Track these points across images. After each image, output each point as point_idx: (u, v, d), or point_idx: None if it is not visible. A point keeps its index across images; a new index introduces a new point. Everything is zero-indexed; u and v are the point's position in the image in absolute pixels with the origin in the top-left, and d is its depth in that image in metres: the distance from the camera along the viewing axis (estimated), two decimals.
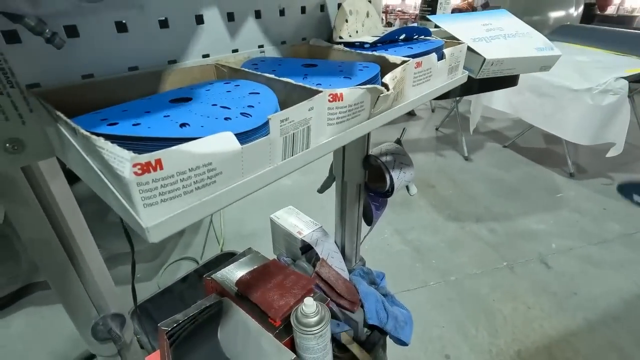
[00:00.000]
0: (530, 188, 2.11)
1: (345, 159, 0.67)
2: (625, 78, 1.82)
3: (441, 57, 0.40)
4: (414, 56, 0.37)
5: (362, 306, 0.69)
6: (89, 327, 0.34)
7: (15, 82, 0.24)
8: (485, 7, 4.76)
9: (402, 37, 0.42)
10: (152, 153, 0.16)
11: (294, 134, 0.23)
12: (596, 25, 2.83)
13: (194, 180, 0.18)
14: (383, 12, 4.75)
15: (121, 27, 0.28)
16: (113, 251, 1.34)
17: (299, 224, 0.79)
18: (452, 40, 0.48)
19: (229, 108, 0.24)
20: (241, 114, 0.23)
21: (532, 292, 1.43)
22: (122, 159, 0.16)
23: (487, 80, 0.49)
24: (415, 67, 0.35)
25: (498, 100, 2.26)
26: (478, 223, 1.83)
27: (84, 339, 0.35)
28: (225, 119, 0.22)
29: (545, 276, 1.51)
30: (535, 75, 2.08)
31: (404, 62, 0.33)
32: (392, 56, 0.35)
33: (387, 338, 0.74)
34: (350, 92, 0.27)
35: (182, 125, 0.21)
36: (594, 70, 1.94)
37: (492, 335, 1.27)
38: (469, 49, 0.45)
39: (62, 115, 0.21)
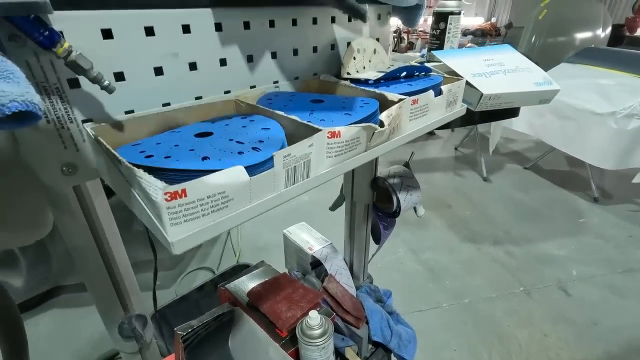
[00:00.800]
0: (552, 212, 2.06)
1: (354, 181, 0.71)
2: None
3: (439, 93, 0.44)
4: (412, 93, 0.41)
5: (367, 323, 0.71)
6: (116, 325, 0.38)
7: (74, 118, 0.30)
8: (509, 27, 4.76)
9: (403, 74, 0.46)
10: (180, 184, 0.21)
11: (295, 166, 0.28)
12: (621, 48, 2.77)
13: (210, 205, 0.23)
14: (405, 33, 4.83)
15: (158, 71, 0.33)
16: (136, 258, 1.41)
17: (310, 240, 0.83)
18: (453, 74, 0.51)
19: (242, 143, 0.29)
20: (252, 148, 0.28)
21: (549, 319, 1.39)
22: (156, 188, 0.21)
23: (487, 112, 0.52)
24: (412, 104, 0.39)
25: (519, 121, 2.24)
26: (495, 245, 1.80)
27: (110, 335, 0.40)
28: (239, 152, 0.27)
29: (564, 303, 1.46)
30: (557, 97, 2.05)
31: (400, 99, 0.38)
32: (390, 94, 0.39)
33: (392, 356, 0.76)
34: (347, 130, 0.31)
35: (204, 158, 0.26)
36: (619, 93, 1.90)
37: None
38: (468, 83, 0.49)
39: (109, 147, 0.26)
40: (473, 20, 4.53)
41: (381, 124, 0.34)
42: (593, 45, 2.92)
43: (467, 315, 1.42)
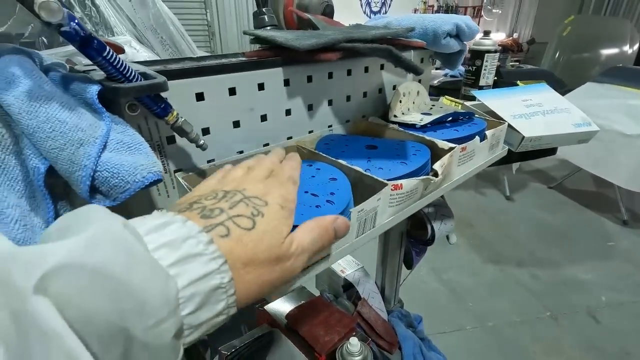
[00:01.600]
0: (578, 234, 2.02)
1: None
2: None
3: (483, 138, 0.46)
4: (459, 139, 0.43)
5: (399, 348, 0.73)
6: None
7: (168, 169, 0.34)
8: (531, 43, 4.72)
9: (449, 119, 0.49)
10: None
11: (365, 219, 0.31)
12: None
13: None
14: None
15: (236, 124, 0.37)
16: None
17: (342, 263, 0.85)
18: (492, 114, 0.54)
19: (317, 195, 0.32)
20: (327, 201, 0.31)
21: (578, 348, 1.36)
22: None
23: (527, 151, 0.54)
24: (461, 152, 0.42)
25: None
26: (519, 267, 1.77)
27: None
28: (316, 206, 0.30)
29: (593, 331, 1.42)
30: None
31: (451, 148, 0.40)
32: (441, 141, 0.42)
33: None
34: (408, 183, 0.34)
35: None
36: None
37: None
38: (509, 126, 0.51)
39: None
40: (495, 36, 4.53)
41: (435, 174, 0.37)
42: (621, 65, 2.87)
43: (491, 340, 1.40)
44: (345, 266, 0.84)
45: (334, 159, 0.38)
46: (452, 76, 1.52)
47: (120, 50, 0.38)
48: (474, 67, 0.69)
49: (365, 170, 0.35)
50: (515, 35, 4.77)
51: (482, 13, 4.42)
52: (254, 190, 0.24)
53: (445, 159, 0.39)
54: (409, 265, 0.82)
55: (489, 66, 0.68)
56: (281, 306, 0.74)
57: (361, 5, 4.06)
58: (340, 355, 0.60)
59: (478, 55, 0.68)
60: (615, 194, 2.14)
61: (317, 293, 0.88)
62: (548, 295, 1.60)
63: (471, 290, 1.64)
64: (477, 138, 0.44)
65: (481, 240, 1.98)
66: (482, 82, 0.69)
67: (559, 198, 2.39)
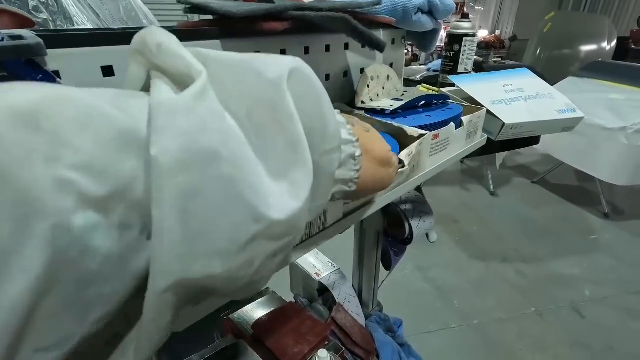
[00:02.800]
0: (561, 228, 2.02)
1: None
2: None
3: (459, 124, 0.41)
4: (431, 125, 0.38)
5: (377, 356, 0.68)
6: None
7: None
8: (513, 40, 4.76)
9: (422, 103, 0.44)
10: None
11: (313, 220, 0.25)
12: (630, 62, 2.75)
13: None
14: (410, 45, 4.85)
15: None
16: None
17: (318, 265, 0.80)
18: (471, 101, 0.49)
19: None
20: None
21: (563, 343, 1.34)
22: None
23: (508, 141, 0.50)
24: (433, 139, 0.36)
25: None
26: (504, 263, 1.76)
27: None
28: None
29: (578, 326, 1.41)
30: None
31: (420, 135, 0.35)
32: (410, 128, 0.36)
33: None
34: None
35: None
36: (629, 108, 1.87)
37: None
38: (489, 112, 0.47)
39: None
40: (477, 33, 4.56)
41: (402, 164, 0.32)
42: (600, 59, 2.90)
43: (477, 338, 1.38)
44: (321, 268, 0.79)
45: None
46: (434, 71, 1.47)
47: (28, 21, 0.31)
48: (452, 53, 0.64)
49: None
50: (497, 32, 4.81)
51: (465, 10, 4.42)
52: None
53: (413, 147, 0.33)
54: (388, 266, 0.77)
55: (468, 51, 0.63)
56: (249, 314, 0.68)
57: None
58: None
59: (456, 39, 0.63)
60: (596, 188, 2.15)
61: (292, 297, 0.83)
62: (533, 291, 1.58)
63: (456, 288, 1.61)
64: (452, 124, 0.39)
65: (466, 236, 1.96)
66: (460, 69, 0.64)
67: (542, 193, 2.39)
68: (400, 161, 0.32)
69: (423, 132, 0.35)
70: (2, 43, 0.20)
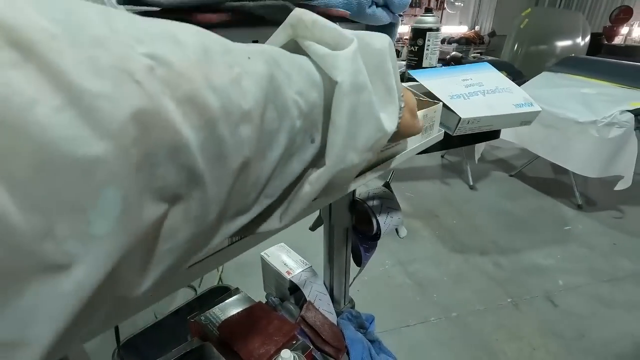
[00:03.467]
0: (537, 220, 2.07)
1: (332, 204, 0.68)
2: (630, 111, 1.81)
3: None
4: None
5: (347, 353, 0.68)
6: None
7: None
8: (492, 36, 4.84)
9: None
10: None
11: None
12: (602, 57, 2.83)
13: None
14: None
15: None
16: None
17: (289, 263, 0.79)
18: (430, 96, 0.49)
19: None
20: None
21: (538, 332, 1.37)
22: None
23: (467, 135, 0.50)
24: None
25: (504, 130, 2.25)
26: (483, 256, 1.79)
27: None
28: None
29: (552, 315, 1.45)
30: (541, 106, 2.07)
31: None
32: None
33: None
34: None
35: None
36: (600, 102, 1.93)
37: None
38: (445, 106, 0.46)
39: None
40: (457, 29, 4.61)
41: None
42: (573, 54, 2.97)
43: (455, 330, 1.40)
44: (293, 267, 0.78)
45: None
46: (408, 79, 1.48)
47: None
48: (416, 47, 0.64)
49: None
50: (477, 28, 4.88)
51: (445, 6, 4.47)
52: None
53: None
54: (359, 263, 0.76)
55: (432, 46, 0.63)
56: (217, 315, 0.66)
57: None
58: None
59: (420, 34, 0.63)
60: (570, 180, 2.21)
61: (264, 297, 0.81)
62: (509, 282, 1.62)
63: (436, 282, 1.63)
64: None
65: (446, 230, 1.98)
66: (425, 63, 0.64)
67: (519, 186, 2.45)
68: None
69: None
70: None
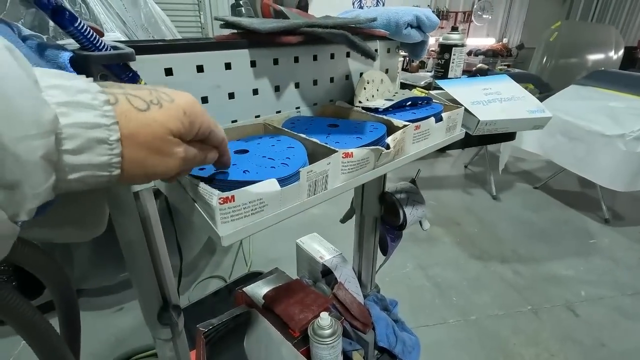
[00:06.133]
0: (561, 232, 2.07)
1: (364, 195, 0.77)
2: None
3: (440, 119, 0.50)
4: (415, 120, 0.47)
5: (373, 329, 0.76)
6: (156, 312, 0.45)
7: None
8: (521, 48, 4.82)
9: (409, 103, 0.53)
10: (230, 192, 0.28)
11: (316, 180, 0.34)
12: (634, 70, 2.79)
13: (251, 209, 0.29)
14: None
15: (205, 99, 0.41)
16: None
17: (321, 250, 0.88)
18: (454, 102, 0.58)
19: (273, 159, 0.35)
20: (282, 164, 0.35)
21: (556, 339, 1.39)
22: (212, 194, 0.28)
23: (486, 136, 0.58)
24: (415, 130, 0.45)
25: (529, 141, 2.27)
26: (503, 264, 1.81)
27: (148, 323, 0.46)
28: (271, 167, 0.34)
29: (571, 324, 1.46)
30: (566, 119, 2.09)
31: (404, 125, 0.44)
32: (396, 120, 0.46)
33: None
34: (359, 151, 0.37)
35: (245, 171, 0.33)
36: (628, 116, 1.93)
37: None
38: (467, 110, 0.55)
39: None
40: (485, 41, 4.63)
41: (387, 147, 0.41)
42: (603, 68, 2.95)
43: (473, 332, 1.44)
44: (325, 253, 0.87)
45: (295, 133, 0.42)
46: (435, 87, 1.56)
47: (100, 33, 0.41)
48: (443, 61, 0.74)
49: (322, 143, 0.39)
50: (504, 40, 4.87)
51: (473, 18, 4.51)
52: (170, 91, 0.25)
53: (397, 134, 0.42)
54: (385, 251, 0.85)
55: (457, 59, 0.72)
56: (259, 288, 0.77)
57: (352, 4, 4.14)
58: (312, 330, 0.62)
59: (446, 49, 0.72)
60: (597, 194, 2.19)
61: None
62: (529, 290, 1.64)
63: (455, 286, 1.67)
64: (432, 118, 0.48)
65: (467, 238, 2.02)
66: (450, 75, 0.73)
67: (543, 198, 2.44)
68: (387, 145, 0.41)
69: (407, 122, 0.44)
70: (110, 52, 0.29)
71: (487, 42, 4.68)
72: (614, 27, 3.81)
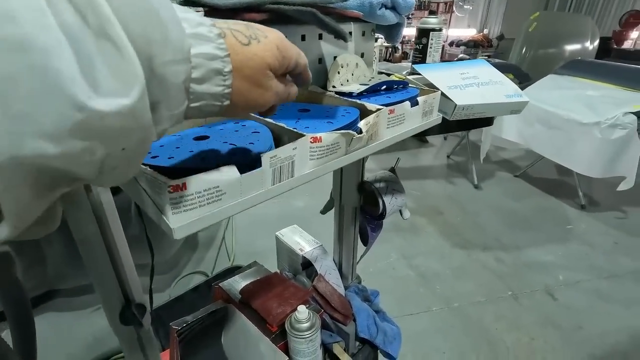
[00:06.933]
0: (540, 219, 2.12)
1: (342, 185, 0.76)
2: (633, 113, 1.85)
3: (416, 103, 0.48)
4: (390, 104, 0.45)
5: (354, 320, 0.75)
6: (117, 311, 0.42)
7: None
8: (501, 39, 4.88)
9: (384, 87, 0.51)
10: (181, 179, 0.25)
11: (280, 166, 0.32)
12: (607, 61, 2.86)
13: (207, 198, 0.27)
14: (400, 43, 4.94)
15: None
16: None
17: (301, 242, 0.86)
18: (431, 86, 0.56)
19: (235, 145, 0.33)
20: (244, 149, 0.32)
21: (536, 324, 1.43)
22: (161, 182, 0.25)
23: (463, 121, 0.57)
24: (389, 114, 0.43)
25: (508, 130, 2.30)
26: (485, 252, 1.84)
27: (111, 323, 0.44)
28: (232, 153, 0.31)
29: (551, 308, 1.50)
30: (545, 108, 2.13)
31: (378, 109, 0.42)
32: (370, 104, 0.43)
33: (379, 354, 0.79)
34: (328, 136, 0.35)
35: (202, 159, 0.30)
36: (604, 104, 1.97)
37: None
38: (444, 95, 0.54)
39: None
40: (466, 32, 4.66)
41: (359, 131, 0.39)
42: (580, 58, 3.01)
43: (456, 320, 1.46)
44: (305, 245, 0.85)
45: (261, 118, 0.39)
46: (412, 73, 1.55)
47: None
48: (421, 46, 0.72)
49: (290, 127, 0.36)
50: (485, 31, 4.92)
51: (454, 9, 4.52)
52: (261, 27, 0.27)
53: (370, 118, 0.40)
54: (365, 242, 0.84)
55: (435, 44, 0.71)
56: (237, 283, 0.74)
57: None
58: (289, 324, 0.61)
59: (424, 33, 0.71)
60: (574, 181, 2.25)
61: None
62: (510, 276, 1.67)
63: (439, 275, 1.69)
64: (407, 102, 0.46)
65: (450, 227, 2.04)
66: (429, 60, 0.72)
67: (523, 186, 2.49)
68: (359, 129, 0.39)
69: (380, 106, 0.42)
70: None
71: (469, 32, 4.72)
72: (590, 18, 3.89)
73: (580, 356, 1.29)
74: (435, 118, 0.52)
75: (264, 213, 2.11)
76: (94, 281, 0.41)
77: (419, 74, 0.62)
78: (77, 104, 0.16)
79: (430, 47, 0.71)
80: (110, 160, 0.18)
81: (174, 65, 0.19)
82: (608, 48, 4.09)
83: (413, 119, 0.48)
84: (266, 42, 0.25)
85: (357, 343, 0.75)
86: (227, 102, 0.24)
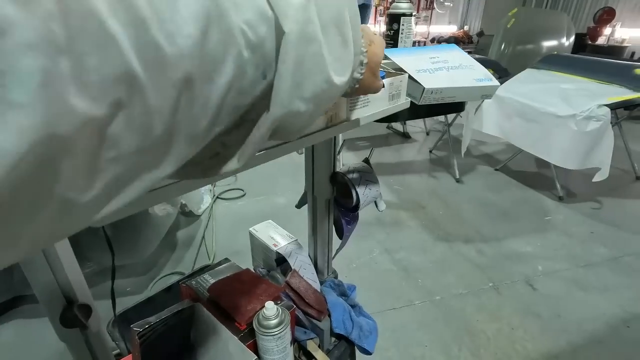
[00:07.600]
0: (520, 211, 2.14)
1: (314, 175, 0.73)
2: (607, 105, 1.89)
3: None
4: None
5: (329, 316, 0.73)
6: (58, 314, 0.38)
7: None
8: (481, 35, 4.95)
9: None
10: None
11: None
12: (582, 55, 2.93)
13: None
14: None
15: None
16: (103, 265, 1.38)
17: (276, 237, 0.84)
18: (400, 70, 0.54)
19: None
20: None
21: (516, 314, 1.44)
22: None
23: (434, 106, 0.55)
24: None
25: (488, 125, 2.33)
26: (467, 244, 1.85)
27: (53, 327, 0.40)
28: None
29: (530, 298, 1.52)
30: (522, 101, 2.16)
31: None
32: None
33: (358, 351, 0.77)
34: None
35: None
36: (579, 97, 2.01)
37: (475, 356, 1.27)
38: (412, 79, 0.52)
39: None
40: (446, 28, 4.70)
41: None
42: (556, 52, 3.07)
43: (438, 312, 1.46)
44: (279, 240, 0.83)
45: None
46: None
47: None
48: (392, 31, 0.70)
49: None
50: (466, 28, 4.98)
51: (435, 5, 4.56)
52: (369, 31, 0.35)
53: None
54: (341, 235, 0.82)
55: (406, 30, 0.69)
56: (205, 281, 0.71)
57: None
58: (257, 321, 0.58)
59: (394, 18, 0.69)
60: (552, 173, 2.29)
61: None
62: (491, 268, 1.69)
63: (421, 268, 1.69)
64: None
65: (432, 220, 2.05)
66: (400, 45, 0.70)
67: (503, 179, 2.52)
68: None
69: None
70: None
71: (449, 29, 4.76)
72: (566, 14, 3.99)
73: (559, 344, 1.31)
74: (404, 102, 0.50)
75: (245, 211, 2.07)
76: (30, 281, 0.38)
77: (389, 59, 0.60)
78: (327, 79, 0.24)
79: (402, 33, 0.69)
80: (315, 116, 0.26)
81: (358, 55, 0.28)
82: (583, 44, 4.20)
83: (379, 102, 0.46)
84: (378, 43, 0.34)
85: (333, 339, 0.73)
86: (357, 86, 0.31)
